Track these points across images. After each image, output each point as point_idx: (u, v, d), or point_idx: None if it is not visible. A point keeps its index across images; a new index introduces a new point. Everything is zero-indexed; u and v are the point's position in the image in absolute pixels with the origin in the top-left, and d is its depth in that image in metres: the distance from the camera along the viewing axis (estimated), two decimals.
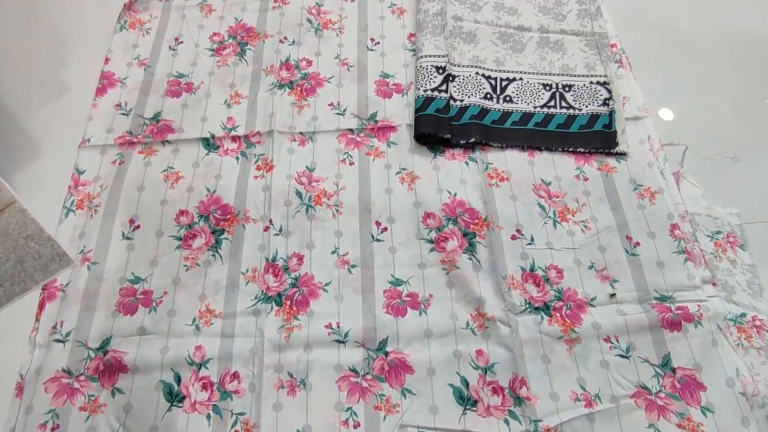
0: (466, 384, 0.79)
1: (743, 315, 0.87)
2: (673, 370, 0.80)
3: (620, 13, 1.22)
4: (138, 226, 0.92)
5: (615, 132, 1.02)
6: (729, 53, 1.20)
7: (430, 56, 1.10)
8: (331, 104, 1.07)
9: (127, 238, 0.91)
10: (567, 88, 1.08)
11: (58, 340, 0.81)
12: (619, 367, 0.80)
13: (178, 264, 0.88)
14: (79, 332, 0.82)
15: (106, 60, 1.14)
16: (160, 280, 0.87)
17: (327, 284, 0.87)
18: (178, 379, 0.78)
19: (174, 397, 0.77)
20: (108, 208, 0.94)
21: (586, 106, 1.06)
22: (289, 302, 0.85)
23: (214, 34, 1.18)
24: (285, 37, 1.17)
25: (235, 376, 0.79)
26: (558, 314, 0.84)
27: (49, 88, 1.10)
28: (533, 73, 1.10)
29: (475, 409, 0.77)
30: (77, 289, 0.85)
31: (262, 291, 0.86)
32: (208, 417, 0.76)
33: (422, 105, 1.03)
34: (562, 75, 1.10)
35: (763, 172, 1.03)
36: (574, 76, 1.10)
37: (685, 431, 0.76)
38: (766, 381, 0.81)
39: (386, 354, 0.81)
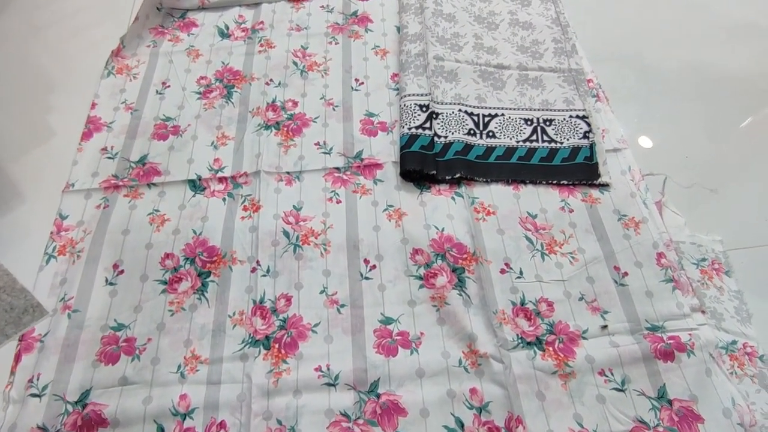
0: (461, 425, 0.77)
1: (734, 342, 0.87)
2: (670, 402, 0.79)
3: (594, 50, 1.28)
4: (122, 271, 0.90)
5: (596, 164, 1.04)
6: (696, 87, 1.25)
7: (414, 95, 1.13)
8: (318, 143, 1.08)
9: (111, 284, 0.89)
10: (548, 123, 1.11)
11: (34, 395, 0.78)
12: (615, 401, 0.79)
13: (162, 309, 0.86)
14: (56, 385, 0.78)
15: (93, 105, 1.14)
16: (144, 326, 0.84)
17: (316, 325, 0.85)
18: None
19: None
20: (91, 253, 0.92)
21: (568, 139, 1.08)
22: (277, 345, 0.83)
23: (201, 77, 1.20)
24: (271, 80, 1.19)
25: (222, 425, 0.76)
26: (551, 348, 0.83)
27: (34, 133, 1.10)
28: (514, 109, 1.13)
29: None
30: (56, 338, 0.82)
31: (250, 334, 0.84)
32: None
33: (407, 142, 1.05)
34: (543, 110, 1.13)
35: (741, 198, 1.06)
36: (554, 110, 1.13)
37: None
38: (761, 410, 0.81)
39: (378, 396, 0.79)
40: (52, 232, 0.95)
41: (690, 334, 0.84)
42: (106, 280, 0.89)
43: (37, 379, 0.79)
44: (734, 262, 0.97)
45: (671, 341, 0.83)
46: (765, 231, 1.01)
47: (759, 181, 1.08)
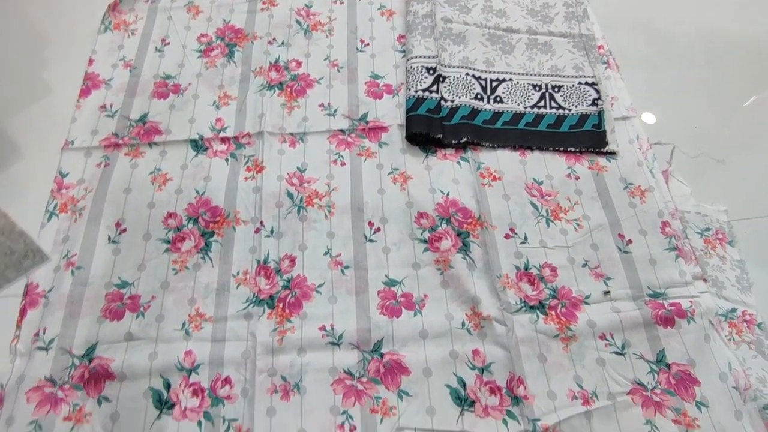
0: (463, 384, 0.78)
1: (733, 310, 0.88)
2: (668, 366, 0.80)
3: (605, 15, 1.24)
4: (124, 230, 0.89)
5: (604, 131, 1.03)
6: (708, 55, 1.22)
7: (421, 57, 1.10)
8: (322, 105, 1.06)
9: (113, 242, 0.88)
10: (556, 89, 1.09)
11: (41, 348, 0.78)
12: (615, 364, 0.80)
13: (166, 267, 0.86)
14: (62, 339, 0.79)
15: (90, 61, 1.11)
16: (148, 284, 0.84)
17: (320, 286, 0.85)
18: (168, 386, 0.76)
19: (163, 404, 0.75)
20: (93, 211, 0.91)
21: (576, 107, 1.07)
22: (281, 305, 0.83)
23: (202, 35, 1.16)
24: (274, 39, 1.16)
25: (227, 381, 0.77)
26: (553, 312, 0.84)
27: (30, 88, 1.08)
28: (523, 74, 1.11)
29: (472, 409, 0.76)
30: (60, 294, 0.82)
31: (254, 294, 0.84)
32: (199, 424, 0.74)
33: (413, 105, 1.03)
34: (551, 76, 1.11)
35: (748, 169, 1.05)
36: (563, 77, 1.11)
37: (680, 426, 0.76)
38: (757, 375, 0.82)
39: (381, 356, 0.80)
40: (52, 190, 0.93)
41: (691, 301, 0.85)
42: (109, 239, 0.89)
43: (43, 333, 0.79)
44: (738, 233, 0.97)
45: (672, 308, 0.84)
46: None
47: (767, 152, 1.08)
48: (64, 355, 0.78)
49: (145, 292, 0.84)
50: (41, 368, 0.76)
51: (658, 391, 0.78)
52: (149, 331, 0.80)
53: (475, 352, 0.80)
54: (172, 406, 0.75)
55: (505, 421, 0.75)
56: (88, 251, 0.87)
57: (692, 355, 0.81)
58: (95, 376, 0.76)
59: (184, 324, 0.81)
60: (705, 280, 0.89)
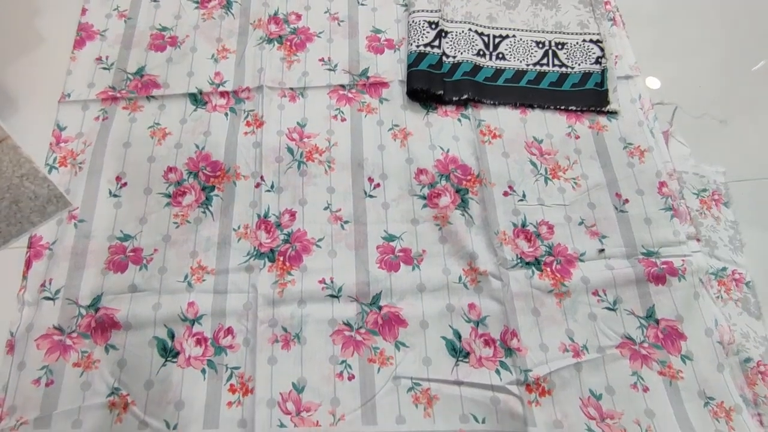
0: (459, 336, 0.80)
1: (724, 269, 0.90)
2: (657, 322, 0.83)
3: None
4: (125, 184, 0.90)
5: (606, 90, 1.02)
6: (720, 13, 1.19)
7: (423, 11, 1.07)
8: (322, 60, 1.04)
9: (114, 196, 0.89)
10: (560, 46, 1.07)
11: (48, 298, 0.80)
12: (606, 319, 0.83)
13: (168, 221, 0.87)
14: (68, 290, 0.81)
15: (83, 11, 1.08)
16: (150, 237, 0.86)
17: (320, 240, 0.87)
18: (172, 335, 0.78)
19: (168, 352, 0.77)
20: (93, 165, 0.91)
21: (579, 65, 1.05)
22: (282, 258, 0.85)
23: None
24: None
25: (229, 331, 0.79)
26: (548, 269, 0.86)
27: (22, 38, 1.05)
28: (526, 30, 1.09)
29: (467, 360, 0.79)
30: (65, 247, 0.84)
31: (255, 247, 0.85)
32: (203, 371, 0.76)
33: (415, 60, 1.01)
34: (555, 32, 1.09)
35: (750, 131, 1.04)
36: (567, 33, 1.09)
37: (665, 378, 0.79)
38: (741, 330, 0.85)
39: (380, 308, 0.82)
40: (51, 143, 0.93)
41: (683, 260, 0.86)
42: (110, 192, 0.89)
43: (50, 284, 0.81)
44: (734, 193, 0.98)
45: (664, 266, 0.85)
46: None
47: None
48: (70, 305, 0.80)
49: (147, 245, 0.85)
50: (49, 317, 0.79)
51: (645, 345, 0.81)
52: (153, 283, 0.82)
53: (471, 306, 0.83)
54: (177, 354, 0.77)
55: (498, 371, 0.78)
56: (90, 205, 0.88)
57: (681, 311, 0.83)
58: (101, 326, 0.78)
59: (186, 276, 0.83)
60: (698, 240, 0.91)
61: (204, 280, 0.83)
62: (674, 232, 0.90)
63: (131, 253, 0.84)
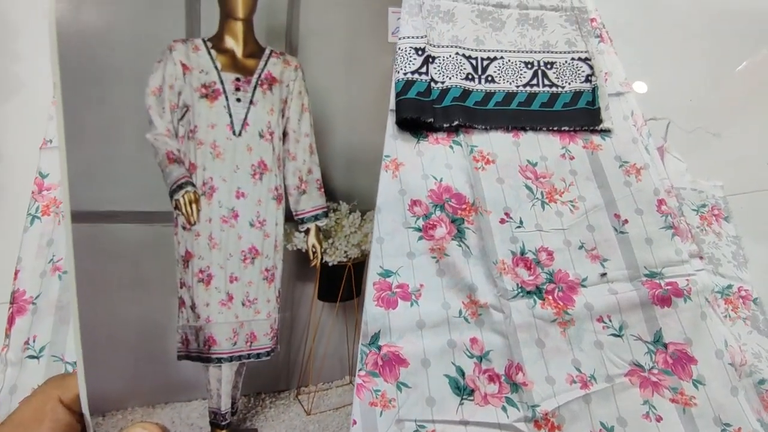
0: (462, 373, 0.78)
1: (729, 286, 0.88)
2: (665, 346, 0.80)
3: None
4: None
5: (599, 109, 1.01)
6: (705, 26, 1.19)
7: (409, 37, 1.06)
8: None
9: None
10: (549, 66, 1.06)
11: (32, 356, 0.77)
12: (612, 346, 0.80)
13: None
14: (54, 346, 0.77)
15: None
16: None
17: None
18: None
19: None
20: None
21: (569, 84, 1.04)
22: None
23: None
24: None
25: None
26: (550, 297, 0.84)
27: (2, 85, 1.03)
28: (514, 51, 1.08)
29: (472, 398, 0.76)
30: (49, 300, 0.80)
31: None
32: None
33: (403, 89, 1.00)
34: (544, 52, 1.08)
35: (744, 143, 1.04)
36: (556, 53, 1.08)
37: (678, 405, 0.76)
38: (752, 350, 0.83)
39: (379, 348, 0.79)
40: (33, 192, 0.90)
41: (687, 280, 0.84)
42: None
43: (34, 341, 0.78)
44: (733, 207, 0.96)
45: (669, 287, 0.83)
46: (766, 176, 1.00)
47: (763, 124, 1.06)
48: (56, 362, 0.76)
49: None
50: (34, 377, 0.75)
51: (655, 371, 0.79)
52: None
53: (473, 340, 0.80)
54: None
55: (504, 408, 0.75)
56: None
57: (689, 333, 0.81)
58: None
59: None
60: (701, 258, 0.89)
61: None
62: (676, 251, 0.88)
63: None
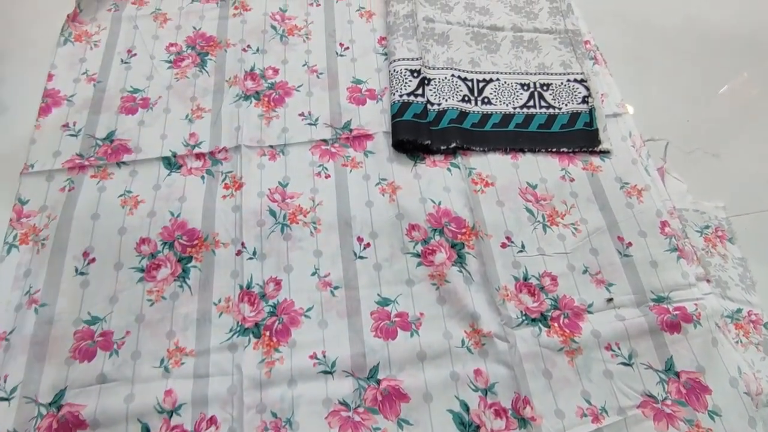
0: (467, 408, 0.73)
1: (739, 311, 0.85)
2: (677, 375, 0.77)
3: (590, 9, 1.21)
4: (93, 259, 0.82)
5: (596, 130, 0.99)
6: (697, 45, 1.20)
7: (404, 59, 1.05)
8: (302, 114, 1.00)
9: (81, 273, 0.81)
10: (545, 87, 1.05)
11: (3, 398, 0.71)
12: (623, 376, 0.77)
13: (141, 299, 0.79)
14: (26, 387, 0.72)
15: (50, 76, 1.03)
16: (122, 318, 0.78)
17: (309, 310, 0.80)
18: (147, 431, 0.69)
19: None
20: (57, 240, 0.84)
21: (566, 105, 1.03)
22: (268, 333, 0.77)
23: (171, 44, 1.09)
24: (248, 45, 1.09)
25: (212, 421, 0.71)
26: (556, 324, 0.80)
27: None
28: (510, 73, 1.07)
29: None
30: (23, 336, 0.75)
31: (238, 322, 0.78)
32: None
33: (399, 111, 0.98)
34: (539, 74, 1.07)
35: (743, 162, 1.02)
36: (551, 74, 1.07)
37: None
38: (767, 377, 0.79)
39: (378, 382, 0.74)
40: (11, 219, 0.86)
41: (696, 304, 0.81)
42: (76, 270, 0.81)
43: (5, 381, 0.72)
44: (737, 229, 0.94)
45: (677, 312, 0.80)
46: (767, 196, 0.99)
47: (762, 143, 1.05)
48: (29, 404, 0.70)
49: (119, 327, 0.77)
50: (3, 421, 0.69)
51: (669, 402, 0.75)
52: (124, 371, 0.73)
53: (477, 372, 0.76)
54: None
55: None
56: (53, 285, 0.80)
57: (701, 361, 0.78)
58: (65, 426, 0.69)
59: (162, 360, 0.75)
60: (708, 281, 0.86)
61: (183, 363, 0.75)
62: (683, 274, 0.85)
63: (100, 338, 0.76)
